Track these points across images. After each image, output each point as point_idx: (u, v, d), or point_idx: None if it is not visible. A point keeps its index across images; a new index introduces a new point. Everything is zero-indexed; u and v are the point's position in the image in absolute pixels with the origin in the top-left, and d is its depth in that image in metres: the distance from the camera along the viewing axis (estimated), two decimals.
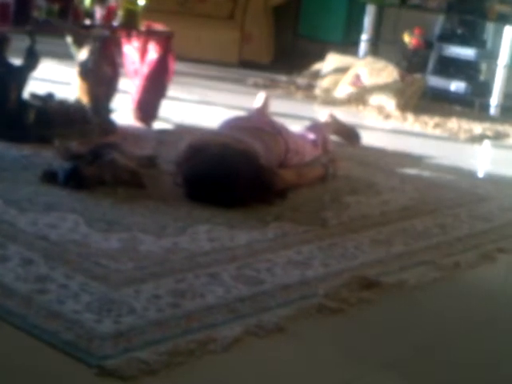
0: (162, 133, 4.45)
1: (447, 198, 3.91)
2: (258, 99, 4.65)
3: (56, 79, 5.18)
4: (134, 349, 2.15)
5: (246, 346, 2.26)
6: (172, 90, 4.62)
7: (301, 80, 6.43)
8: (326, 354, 2.31)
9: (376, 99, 5.84)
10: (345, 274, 2.78)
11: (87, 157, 3.46)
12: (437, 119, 5.65)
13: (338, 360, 2.28)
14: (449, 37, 6.45)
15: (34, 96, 4.11)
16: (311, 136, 4.17)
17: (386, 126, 5.43)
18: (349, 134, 4.69)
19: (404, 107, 5.76)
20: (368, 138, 4.78)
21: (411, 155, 4.68)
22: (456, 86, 6.26)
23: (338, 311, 2.53)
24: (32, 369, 2.06)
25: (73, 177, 3.33)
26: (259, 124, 3.91)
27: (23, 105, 3.99)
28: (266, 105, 4.61)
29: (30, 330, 2.20)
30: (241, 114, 4.53)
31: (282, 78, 6.52)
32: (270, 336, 2.33)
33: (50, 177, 3.38)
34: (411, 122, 5.55)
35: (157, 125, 4.54)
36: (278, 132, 3.84)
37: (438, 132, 5.41)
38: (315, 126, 4.44)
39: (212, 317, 2.39)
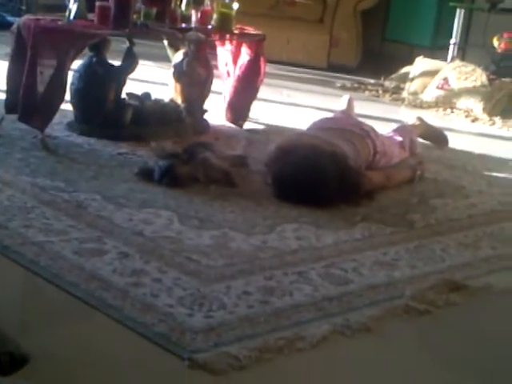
0: (252, 133, 4.51)
1: None
2: (342, 101, 4.67)
3: (153, 80, 5.28)
4: (225, 343, 2.18)
5: (334, 345, 2.27)
6: (262, 92, 4.66)
7: (388, 83, 6.42)
8: (412, 354, 2.32)
9: (463, 103, 5.79)
10: (431, 277, 2.77)
11: (181, 156, 3.54)
12: None
13: (423, 361, 2.28)
14: None
15: (131, 95, 4.19)
16: (398, 138, 4.17)
17: (473, 130, 5.37)
18: (436, 136, 4.67)
19: (492, 111, 5.69)
20: (455, 141, 4.76)
21: (499, 159, 4.63)
22: None
23: (425, 313, 2.52)
24: (126, 359, 2.12)
25: (167, 175, 3.40)
26: (347, 126, 3.92)
27: (121, 104, 4.09)
28: (350, 107, 4.61)
29: (125, 321, 2.25)
30: (328, 115, 4.55)
31: (370, 80, 6.52)
32: (356, 335, 2.34)
33: (145, 174, 3.47)
34: (499, 126, 5.49)
35: (247, 125, 4.60)
36: (366, 134, 3.85)
37: None
38: (403, 129, 4.44)
39: (300, 315, 2.41)
